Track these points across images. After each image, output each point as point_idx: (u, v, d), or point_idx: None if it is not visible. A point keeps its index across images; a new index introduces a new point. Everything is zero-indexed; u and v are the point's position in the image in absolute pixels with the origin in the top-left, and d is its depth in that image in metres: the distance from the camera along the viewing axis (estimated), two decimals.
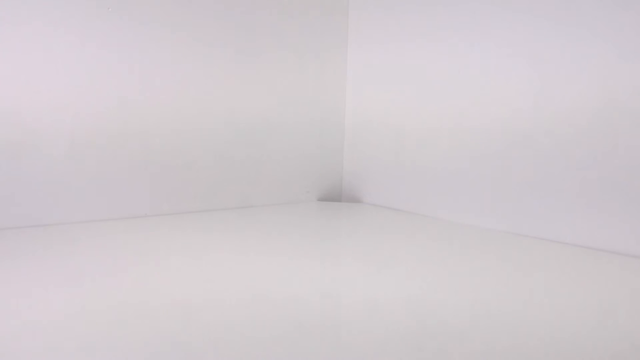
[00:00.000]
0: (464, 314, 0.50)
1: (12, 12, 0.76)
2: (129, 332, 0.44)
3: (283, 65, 1.03)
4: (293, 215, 0.98)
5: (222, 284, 0.57)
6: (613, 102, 0.73)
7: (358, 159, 1.12)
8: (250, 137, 1.00)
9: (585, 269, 0.67)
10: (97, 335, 0.44)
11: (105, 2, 0.83)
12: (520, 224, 0.83)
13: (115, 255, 0.67)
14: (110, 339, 0.43)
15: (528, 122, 0.82)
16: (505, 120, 0.85)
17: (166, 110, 0.90)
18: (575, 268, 0.67)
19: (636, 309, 0.53)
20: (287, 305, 0.52)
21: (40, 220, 0.80)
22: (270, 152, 1.04)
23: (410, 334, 0.45)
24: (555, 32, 0.78)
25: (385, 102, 1.05)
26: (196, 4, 0.91)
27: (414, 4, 0.98)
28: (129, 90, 0.86)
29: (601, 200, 0.74)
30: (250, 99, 0.99)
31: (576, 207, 0.77)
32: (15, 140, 0.77)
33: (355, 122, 1.12)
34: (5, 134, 0.77)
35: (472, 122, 0.89)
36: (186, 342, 0.43)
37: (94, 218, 0.84)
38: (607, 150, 0.74)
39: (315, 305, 0.52)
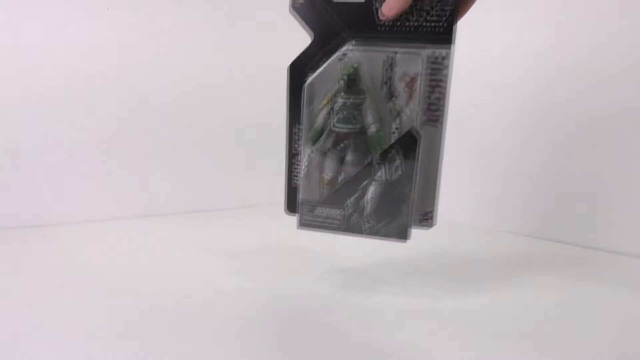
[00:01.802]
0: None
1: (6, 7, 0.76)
2: (128, 332, 0.45)
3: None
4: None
5: (219, 282, 0.57)
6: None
7: None
8: (250, 136, 1.00)
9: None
10: (96, 335, 0.44)
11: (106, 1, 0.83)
12: (522, 225, 0.83)
13: (114, 255, 0.67)
14: (110, 338, 0.43)
15: (531, 119, 0.82)
16: (506, 116, 0.85)
17: (165, 110, 0.91)
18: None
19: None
20: (282, 301, 0.52)
21: (40, 220, 0.80)
22: (271, 152, 1.04)
23: None
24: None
25: None
26: None
27: None
28: (128, 89, 0.86)
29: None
30: (249, 97, 0.99)
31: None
32: (15, 140, 0.78)
33: None
34: (4, 134, 0.77)
35: (472, 121, 0.90)
36: (188, 341, 0.43)
37: (94, 218, 0.85)
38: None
39: (306, 300, 0.52)
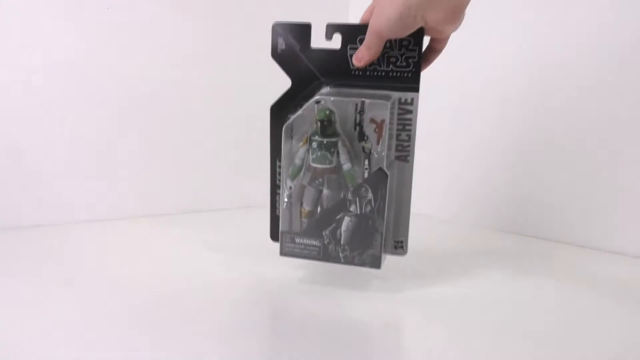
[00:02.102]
0: None
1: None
2: (128, 332, 0.46)
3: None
4: None
5: (220, 281, 0.60)
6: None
7: None
8: (250, 136, 0.98)
9: None
10: (97, 335, 0.45)
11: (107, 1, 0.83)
12: (524, 225, 0.84)
13: (114, 255, 0.68)
14: (110, 338, 0.45)
15: (529, 120, 0.82)
16: (502, 116, 0.85)
17: (165, 110, 0.91)
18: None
19: None
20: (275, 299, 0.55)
21: (40, 220, 0.81)
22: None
23: None
24: None
25: None
26: None
27: None
28: (128, 89, 0.86)
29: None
30: (249, 98, 0.98)
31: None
32: (14, 140, 0.78)
33: None
34: (5, 133, 0.77)
35: (468, 121, 0.90)
36: (188, 341, 0.45)
37: (94, 218, 0.85)
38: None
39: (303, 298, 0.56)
